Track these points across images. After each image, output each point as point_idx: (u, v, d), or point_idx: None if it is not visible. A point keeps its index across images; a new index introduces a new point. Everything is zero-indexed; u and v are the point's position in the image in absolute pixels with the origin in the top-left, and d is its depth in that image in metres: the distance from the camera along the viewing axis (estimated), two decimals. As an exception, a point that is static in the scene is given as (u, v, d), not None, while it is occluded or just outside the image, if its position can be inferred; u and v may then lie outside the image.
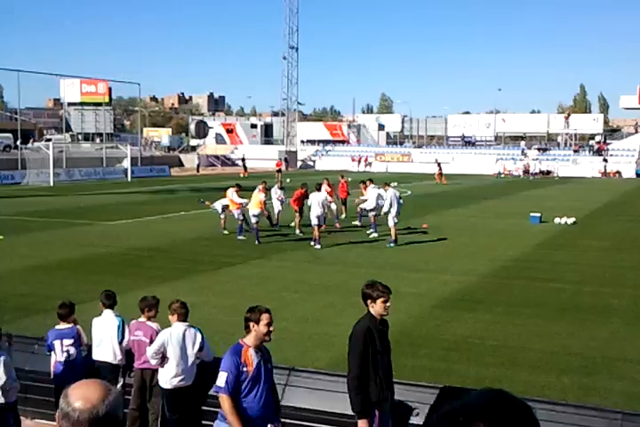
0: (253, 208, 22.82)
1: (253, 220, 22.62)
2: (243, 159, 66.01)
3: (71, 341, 8.37)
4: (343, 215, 28.44)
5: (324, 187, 26.31)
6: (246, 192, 24.58)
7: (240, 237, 23.17)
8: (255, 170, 66.97)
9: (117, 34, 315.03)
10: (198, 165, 68.19)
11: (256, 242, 22.07)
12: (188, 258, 19.84)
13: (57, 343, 8.35)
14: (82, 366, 8.33)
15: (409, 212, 31.25)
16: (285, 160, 70.65)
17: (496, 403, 1.73)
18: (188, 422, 8.21)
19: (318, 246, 21.63)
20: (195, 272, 17.81)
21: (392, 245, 22.19)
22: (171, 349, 7.86)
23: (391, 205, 22.48)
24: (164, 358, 7.89)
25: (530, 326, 13.00)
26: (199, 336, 7.98)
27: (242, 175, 57.46)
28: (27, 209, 32.33)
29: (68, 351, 8.35)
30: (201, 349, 7.98)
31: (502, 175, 66.54)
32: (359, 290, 16.60)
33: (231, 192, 24.02)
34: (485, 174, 67.35)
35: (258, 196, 23.04)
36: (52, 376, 8.36)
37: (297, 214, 25.21)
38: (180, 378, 7.93)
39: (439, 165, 55.87)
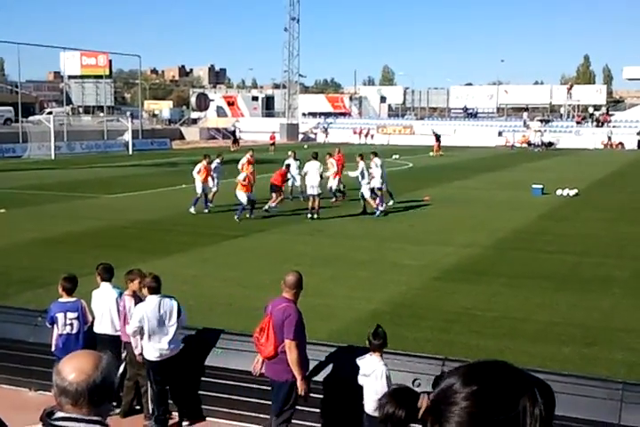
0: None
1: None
2: (233, 132, 65.28)
3: (75, 314, 8.36)
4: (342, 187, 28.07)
5: (334, 157, 25.99)
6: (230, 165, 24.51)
7: (191, 211, 22.67)
8: (257, 143, 66.74)
9: (117, 6, 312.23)
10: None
11: (235, 216, 21.57)
12: (191, 231, 19.86)
13: (60, 316, 8.33)
14: (83, 339, 8.37)
15: (411, 184, 31.21)
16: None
17: (474, 363, 1.74)
18: (182, 393, 8.28)
19: (312, 216, 21.73)
20: (197, 245, 17.83)
21: (379, 213, 22.61)
22: (149, 322, 7.92)
23: (362, 177, 22.98)
24: (142, 333, 8.00)
25: (531, 298, 13.03)
26: (175, 304, 8.06)
27: (232, 149, 56.25)
28: (28, 182, 32.27)
29: (71, 325, 8.35)
30: (179, 315, 8.06)
31: (516, 147, 65.96)
32: (360, 262, 16.69)
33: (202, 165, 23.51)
34: (488, 146, 67.04)
35: (247, 169, 22.40)
36: (53, 349, 8.37)
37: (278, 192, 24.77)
38: (164, 349, 8.01)
39: (437, 137, 55.83)
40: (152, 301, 7.97)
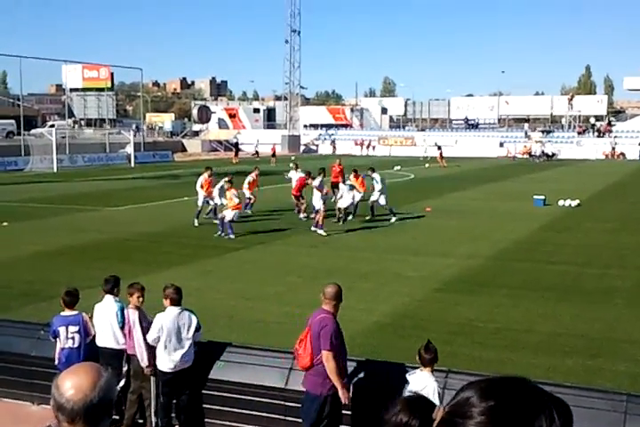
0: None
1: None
2: (236, 144, 65.19)
3: (77, 328, 8.38)
4: (333, 199, 27.92)
5: (334, 168, 26.22)
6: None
7: (195, 223, 22.83)
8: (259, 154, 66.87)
9: (118, 19, 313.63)
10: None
11: (219, 233, 21.08)
12: (193, 243, 19.87)
13: (62, 330, 8.35)
14: (86, 352, 8.37)
15: (412, 195, 31.24)
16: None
17: (494, 378, 1.71)
18: (186, 406, 8.27)
19: (321, 232, 21.27)
20: (200, 257, 17.84)
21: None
22: (166, 333, 7.95)
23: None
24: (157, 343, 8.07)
25: (534, 309, 13.01)
26: (194, 319, 8.08)
27: (233, 161, 57.06)
28: (31, 195, 32.31)
29: (73, 338, 8.36)
30: (197, 330, 8.09)
31: (517, 158, 66.00)
32: (362, 274, 16.68)
33: (204, 179, 23.53)
34: (490, 157, 67.12)
35: (249, 190, 22.51)
36: (56, 363, 8.37)
37: (300, 200, 24.95)
38: (178, 361, 8.02)
39: (439, 148, 56.33)
40: (171, 312, 8.01)
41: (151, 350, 8.13)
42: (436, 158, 55.25)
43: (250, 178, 25.27)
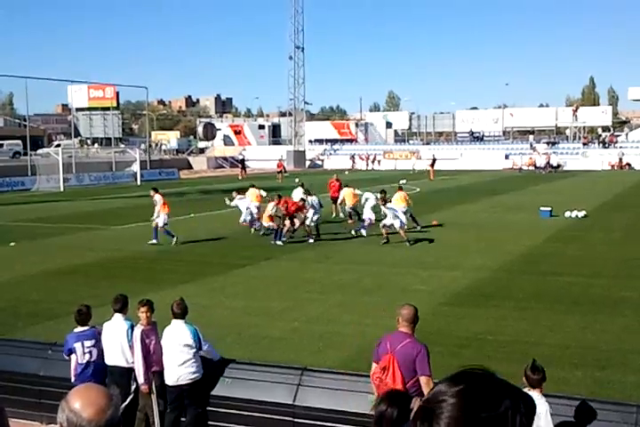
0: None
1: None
2: (242, 160, 65.44)
3: (92, 342, 8.53)
4: (333, 215, 28.49)
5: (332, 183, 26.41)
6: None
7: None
8: (265, 171, 67.05)
9: (123, 38, 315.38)
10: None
11: (279, 242, 22.35)
12: (199, 260, 19.87)
13: (78, 346, 8.48)
14: (102, 367, 8.47)
15: (418, 208, 31.19)
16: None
17: (465, 372, 1.86)
18: (194, 423, 8.26)
19: (280, 243, 22.16)
20: (205, 274, 17.83)
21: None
22: (165, 346, 8.18)
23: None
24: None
25: (542, 321, 12.96)
26: (188, 334, 8.14)
27: (239, 177, 57.67)
28: (37, 215, 32.42)
29: (90, 353, 8.51)
30: (196, 348, 8.16)
31: (523, 170, 65.83)
32: (370, 289, 16.64)
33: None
34: (495, 169, 67.08)
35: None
36: (73, 380, 8.39)
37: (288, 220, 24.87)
38: (179, 375, 8.11)
39: (434, 160, 56.93)
40: (170, 326, 8.22)
41: (150, 367, 8.20)
42: (428, 170, 55.75)
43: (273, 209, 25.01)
